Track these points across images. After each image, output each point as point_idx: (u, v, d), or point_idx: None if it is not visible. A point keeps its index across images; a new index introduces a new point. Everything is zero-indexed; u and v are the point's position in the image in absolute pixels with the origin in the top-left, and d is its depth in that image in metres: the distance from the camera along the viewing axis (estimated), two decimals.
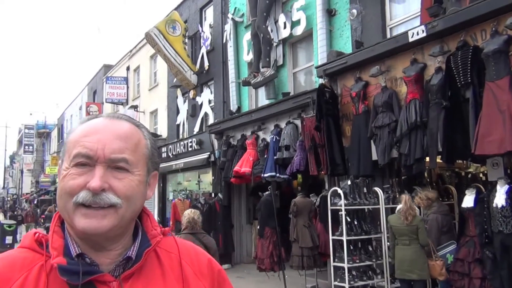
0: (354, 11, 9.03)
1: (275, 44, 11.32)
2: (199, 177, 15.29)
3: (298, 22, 10.64)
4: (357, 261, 6.81)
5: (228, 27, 13.30)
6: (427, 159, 6.67)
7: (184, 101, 16.55)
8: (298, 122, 9.49)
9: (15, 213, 22.51)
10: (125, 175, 0.98)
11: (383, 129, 7.24)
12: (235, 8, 13.43)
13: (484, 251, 5.58)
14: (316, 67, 9.29)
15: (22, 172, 53.03)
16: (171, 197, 16.78)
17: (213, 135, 13.22)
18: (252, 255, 11.35)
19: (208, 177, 14.36)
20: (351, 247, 6.84)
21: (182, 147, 15.50)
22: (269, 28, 11.24)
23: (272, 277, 9.22)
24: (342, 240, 6.71)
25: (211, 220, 11.65)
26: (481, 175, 8.81)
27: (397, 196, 7.16)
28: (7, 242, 16.30)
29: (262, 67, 11.26)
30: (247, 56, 12.56)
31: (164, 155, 16.54)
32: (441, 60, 6.58)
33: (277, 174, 9.58)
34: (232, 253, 12.13)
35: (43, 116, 49.37)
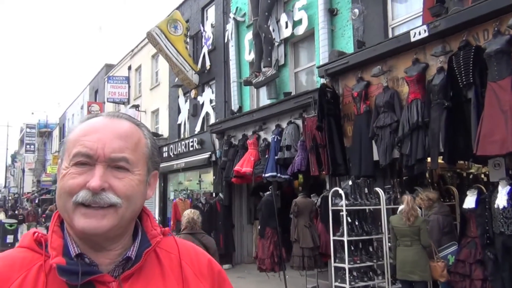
0: (356, 10, 9.02)
1: (276, 43, 11.31)
2: (200, 176, 15.30)
3: (299, 22, 10.63)
4: (358, 261, 6.80)
5: (230, 26, 13.30)
6: (429, 159, 6.66)
7: (186, 101, 16.55)
8: (299, 122, 9.48)
9: (16, 212, 22.51)
10: (125, 175, 0.98)
11: (384, 129, 7.22)
12: (237, 7, 13.42)
13: (485, 252, 5.56)
14: (318, 67, 9.28)
15: (23, 171, 53.12)
16: (172, 197, 16.79)
17: (214, 135, 13.22)
18: (253, 255, 11.35)
19: (209, 177, 14.36)
20: (352, 248, 6.83)
21: (183, 147, 15.51)
22: (270, 28, 11.23)
23: (272, 277, 9.21)
24: (343, 241, 6.70)
25: (212, 220, 11.65)
26: (482, 175, 8.80)
27: (398, 196, 7.15)
28: (8, 241, 16.32)
29: (264, 67, 11.25)
30: (249, 55, 12.55)
31: (165, 154, 16.55)
32: (443, 60, 6.56)
33: (278, 174, 9.58)
34: (232, 253, 12.13)
35: (45, 115, 49.61)
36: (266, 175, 9.71)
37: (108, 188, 0.95)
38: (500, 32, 5.85)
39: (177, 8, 17.24)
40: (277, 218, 8.30)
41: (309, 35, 10.74)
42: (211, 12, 15.60)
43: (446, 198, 7.78)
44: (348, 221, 6.76)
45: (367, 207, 7.10)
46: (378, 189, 7.08)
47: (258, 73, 11.36)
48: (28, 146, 46.80)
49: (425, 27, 6.76)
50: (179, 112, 17.08)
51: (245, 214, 12.74)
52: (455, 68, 6.10)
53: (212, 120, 14.27)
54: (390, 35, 8.38)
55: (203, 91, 15.31)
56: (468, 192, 6.12)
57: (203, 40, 15.14)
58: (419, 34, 6.81)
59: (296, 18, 10.74)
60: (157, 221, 1.14)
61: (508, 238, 5.23)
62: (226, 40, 13.71)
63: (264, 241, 9.02)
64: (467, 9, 6.31)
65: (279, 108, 10.35)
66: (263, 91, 12.04)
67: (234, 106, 12.94)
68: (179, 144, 15.89)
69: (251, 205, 12.56)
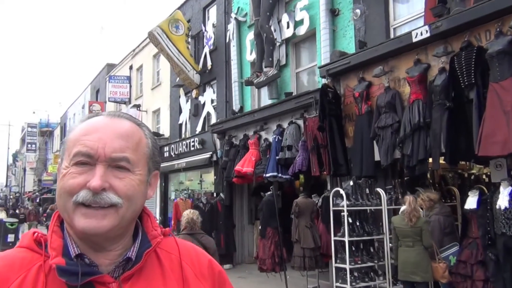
0: (358, 11, 9.01)
1: (278, 43, 11.31)
2: (201, 176, 15.30)
3: (301, 22, 10.63)
4: (359, 262, 6.79)
5: (231, 26, 13.29)
6: (430, 160, 6.65)
7: (187, 101, 16.56)
8: (300, 122, 9.48)
9: (17, 211, 22.53)
10: (125, 175, 0.97)
11: (386, 130, 7.21)
12: (238, 7, 13.42)
13: (487, 253, 5.55)
14: (319, 67, 9.27)
15: (24, 170, 53.19)
16: (173, 197, 16.79)
17: (215, 135, 13.22)
18: (254, 255, 11.34)
19: (210, 177, 14.36)
20: (353, 248, 6.83)
21: (184, 147, 15.52)
22: (272, 28, 11.22)
23: (273, 277, 9.21)
24: (344, 241, 6.69)
25: (213, 220, 11.65)
26: (484, 176, 8.78)
27: (400, 197, 7.14)
28: (9, 240, 16.33)
29: (265, 67, 11.25)
30: (250, 55, 12.55)
31: (166, 154, 16.56)
32: (444, 61, 6.55)
33: (279, 174, 9.57)
34: (233, 253, 12.12)
35: (46, 114, 49.62)
36: (267, 175, 9.71)
37: (108, 188, 0.94)
38: (502, 32, 5.84)
39: (179, 8, 17.24)
40: (278, 218, 8.29)
41: (311, 35, 10.74)
42: (212, 12, 15.60)
43: (447, 199, 7.77)
44: (349, 221, 6.75)
45: (368, 208, 7.09)
46: (379, 190, 7.07)
47: (259, 73, 11.36)
48: (29, 145, 46.89)
49: (427, 27, 6.75)
50: (180, 112, 17.09)
51: (246, 214, 12.73)
52: (457, 69, 6.09)
53: (213, 120, 14.27)
54: (392, 36, 8.37)
55: (204, 91, 15.31)
56: (469, 193, 6.11)
57: (205, 40, 15.14)
58: (421, 34, 6.79)
59: (297, 18, 10.73)
60: (158, 221, 1.13)
61: (510, 239, 5.22)
62: (227, 40, 13.71)
63: (265, 241, 9.01)
64: (469, 9, 6.30)
65: (280, 108, 10.34)
66: (264, 91, 12.04)
67: (235, 106, 12.94)
68: (180, 144, 15.89)
69: (252, 205, 12.56)
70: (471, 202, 5.94)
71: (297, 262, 8.27)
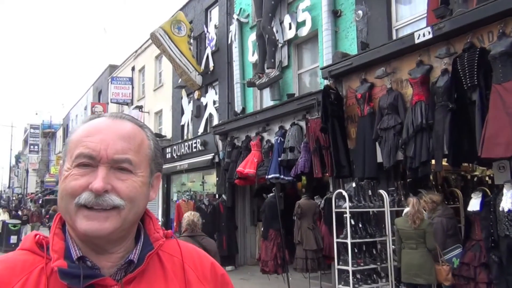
0: (360, 12, 9.00)
1: (280, 45, 11.31)
2: (203, 178, 15.29)
3: (303, 23, 10.63)
4: (362, 264, 6.77)
5: (233, 27, 13.30)
6: (433, 161, 6.63)
7: (189, 102, 16.56)
8: (302, 123, 9.47)
9: (20, 212, 22.57)
10: (128, 176, 0.97)
11: (388, 131, 7.20)
12: (241, 8, 13.43)
13: (490, 256, 5.53)
14: (321, 68, 9.26)
15: (27, 171, 53.27)
16: (175, 198, 16.78)
17: (217, 136, 13.22)
18: (256, 257, 11.32)
19: (212, 178, 14.36)
20: (356, 250, 6.80)
21: (186, 148, 15.52)
22: (274, 29, 11.22)
23: (276, 279, 9.20)
24: (346, 243, 6.67)
25: (215, 221, 11.64)
26: (487, 178, 8.76)
27: (402, 199, 7.12)
28: (11, 241, 16.37)
29: (267, 68, 11.24)
30: (252, 57, 12.56)
31: (168, 155, 16.57)
32: (447, 62, 6.53)
33: (282, 176, 9.56)
34: (236, 255, 12.11)
35: (49, 116, 49.56)
36: (269, 176, 9.70)
37: (111, 190, 0.94)
38: (505, 34, 5.82)
39: (181, 9, 17.26)
40: (280, 220, 8.29)
41: (313, 37, 10.73)
42: (214, 13, 15.61)
43: (450, 201, 7.74)
44: (351, 223, 6.74)
45: (370, 209, 7.07)
46: (381, 191, 7.05)
47: (261, 75, 11.35)
48: (32, 147, 46.93)
49: (429, 28, 6.74)
50: (182, 113, 17.10)
51: (248, 215, 12.72)
52: (460, 70, 6.07)
53: (215, 121, 14.28)
54: (394, 37, 8.36)
55: (206, 92, 15.32)
56: (472, 195, 6.10)
57: (207, 41, 15.15)
58: (423, 35, 6.78)
59: (299, 20, 10.73)
60: (160, 223, 1.12)
61: None
62: (229, 41, 13.71)
63: (267, 243, 9.00)
64: (471, 10, 6.28)
65: (283, 110, 10.34)
66: (267, 92, 12.03)
67: (238, 108, 12.94)
68: (182, 145, 15.90)
69: (254, 206, 12.55)
70: (474, 204, 5.92)
71: (299, 264, 8.25)
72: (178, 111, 17.52)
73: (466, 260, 5.85)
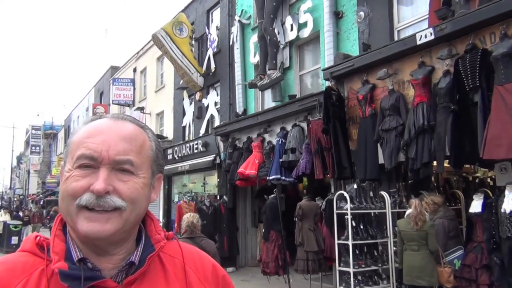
0: (362, 13, 9.00)
1: (281, 46, 11.31)
2: (204, 179, 15.30)
3: (305, 24, 10.63)
4: (363, 265, 6.75)
5: (235, 29, 13.31)
6: (435, 163, 6.62)
7: (190, 103, 16.57)
8: (304, 125, 9.46)
9: (20, 213, 22.61)
10: (129, 177, 0.96)
11: (390, 133, 7.19)
12: (242, 10, 13.44)
13: (491, 257, 5.51)
14: (323, 70, 9.25)
15: (28, 172, 53.32)
16: (176, 199, 16.78)
17: (219, 137, 13.22)
18: (257, 258, 11.31)
19: (213, 179, 14.36)
20: (357, 252, 6.79)
21: (187, 149, 15.52)
22: (276, 30, 11.23)
23: (277, 281, 9.18)
24: (347, 244, 6.66)
25: (216, 222, 11.64)
26: (489, 180, 8.74)
27: (404, 200, 7.11)
28: (13, 242, 16.38)
29: (269, 69, 11.25)
30: (254, 58, 12.56)
31: (169, 157, 16.57)
32: (449, 63, 6.52)
33: (283, 177, 9.55)
34: (237, 256, 12.10)
35: (50, 117, 49.61)
36: (271, 177, 9.69)
37: (112, 191, 0.93)
38: (507, 35, 5.81)
39: (183, 11, 17.28)
40: (282, 221, 8.27)
41: (314, 38, 10.73)
42: (216, 15, 15.63)
43: (452, 202, 7.73)
44: (353, 224, 6.72)
45: (372, 211, 7.06)
46: (383, 193, 7.03)
47: (263, 76, 11.36)
48: (33, 148, 47.00)
49: (431, 30, 6.73)
50: (183, 114, 17.11)
51: (249, 217, 12.71)
52: (462, 71, 6.06)
53: (216, 123, 14.28)
54: (396, 38, 8.36)
55: (208, 93, 15.33)
56: (474, 196, 6.08)
57: (208, 43, 15.16)
58: (425, 37, 6.77)
59: (301, 21, 10.73)
60: (161, 224, 1.12)
61: None
62: (231, 43, 13.72)
63: (268, 244, 8.99)
64: (473, 12, 6.27)
65: (284, 111, 10.33)
66: (268, 93, 12.03)
67: (239, 109, 12.94)
68: (184, 146, 15.90)
69: (256, 208, 12.54)
70: (476, 205, 5.91)
71: (300, 265, 8.24)
72: (179, 113, 17.53)
73: (468, 262, 5.84)
